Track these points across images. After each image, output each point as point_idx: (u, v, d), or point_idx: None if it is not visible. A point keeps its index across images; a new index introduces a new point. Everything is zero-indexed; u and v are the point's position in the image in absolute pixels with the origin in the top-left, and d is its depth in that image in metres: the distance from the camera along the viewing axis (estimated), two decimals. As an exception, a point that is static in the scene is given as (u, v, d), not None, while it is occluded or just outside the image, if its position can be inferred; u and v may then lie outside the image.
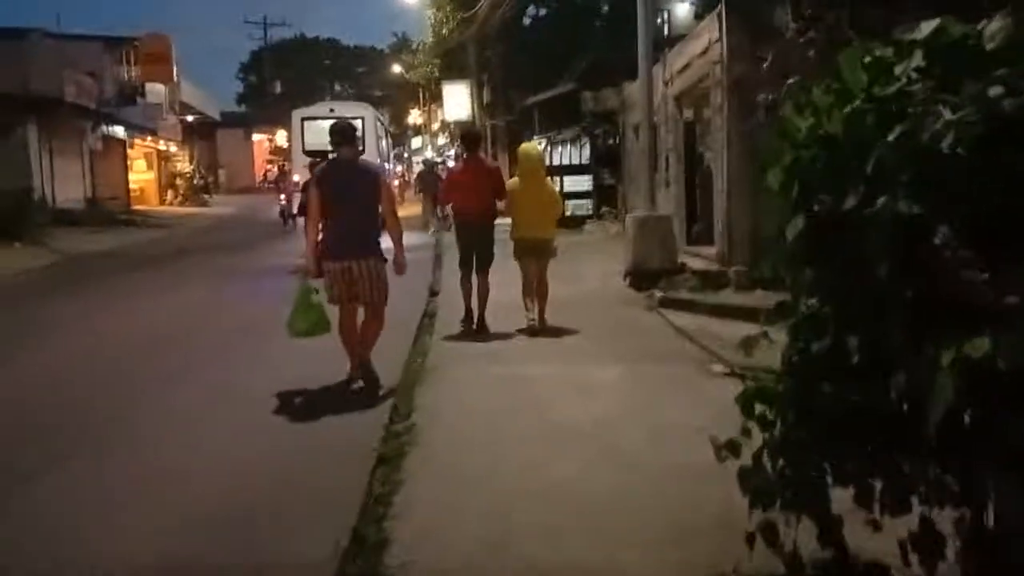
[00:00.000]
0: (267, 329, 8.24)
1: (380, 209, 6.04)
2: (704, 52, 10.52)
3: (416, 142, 56.72)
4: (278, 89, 64.39)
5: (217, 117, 47.39)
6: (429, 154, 45.27)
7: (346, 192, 5.83)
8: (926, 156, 2.16)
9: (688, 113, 13.25)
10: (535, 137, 25.18)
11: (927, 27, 2.35)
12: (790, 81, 2.85)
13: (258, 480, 4.22)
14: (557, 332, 7.81)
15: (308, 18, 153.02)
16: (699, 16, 17.48)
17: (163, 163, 36.28)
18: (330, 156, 6.30)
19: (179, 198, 35.37)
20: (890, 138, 2.24)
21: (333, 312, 6.01)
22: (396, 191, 25.51)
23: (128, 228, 23.69)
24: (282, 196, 22.71)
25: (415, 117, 54.97)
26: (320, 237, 5.96)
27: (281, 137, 52.04)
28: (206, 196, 36.40)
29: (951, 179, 2.13)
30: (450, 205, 8.24)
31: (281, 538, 3.55)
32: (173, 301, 10.62)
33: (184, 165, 38.44)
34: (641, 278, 9.83)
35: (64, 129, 24.72)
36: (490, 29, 26.94)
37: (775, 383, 2.91)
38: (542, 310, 7.86)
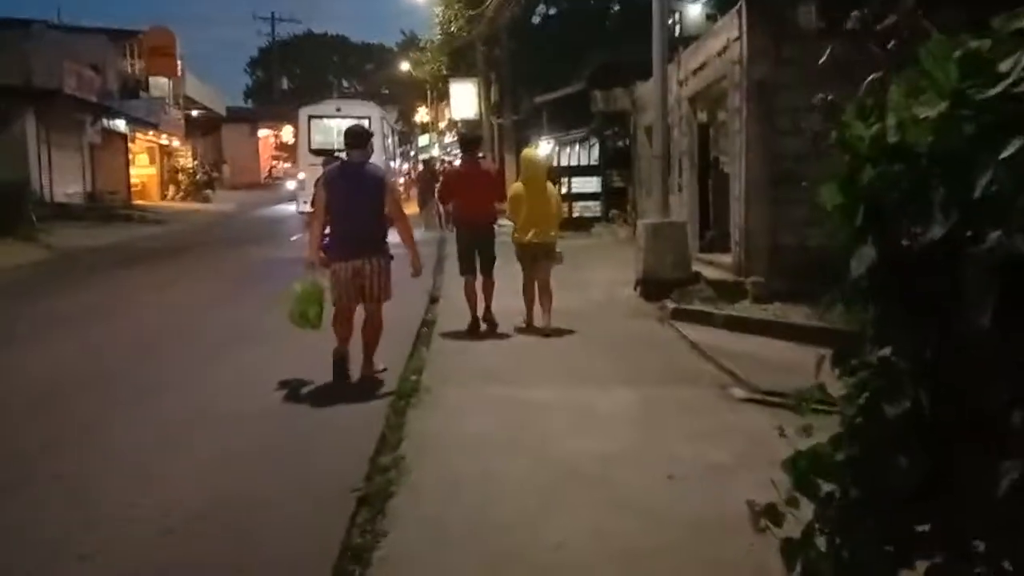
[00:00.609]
0: (250, 335, 7.87)
1: (387, 210, 6.16)
2: (722, 51, 9.99)
3: (423, 140, 56.21)
4: (285, 85, 64.13)
5: (223, 112, 46.97)
6: (436, 152, 44.85)
7: (353, 194, 5.99)
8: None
9: (702, 115, 12.73)
10: (543, 137, 24.72)
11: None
12: (871, 78, 2.31)
13: (217, 527, 3.68)
14: (562, 346, 7.33)
15: (317, 14, 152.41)
16: (711, 17, 16.99)
17: (165, 158, 35.83)
18: (337, 156, 6.54)
19: (180, 193, 34.90)
20: (1005, 154, 1.72)
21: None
22: (401, 189, 25.29)
23: (126, 223, 23.24)
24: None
25: (422, 115, 54.47)
26: (327, 237, 6.17)
27: (287, 133, 51.71)
28: (208, 192, 35.91)
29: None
30: (448, 207, 8.22)
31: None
32: (158, 301, 10.16)
33: (187, 160, 37.98)
34: (653, 288, 9.31)
35: (63, 122, 24.30)
36: (499, 27, 26.41)
37: (833, 449, 2.38)
38: (547, 312, 7.86)
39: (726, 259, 10.09)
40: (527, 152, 8.97)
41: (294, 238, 17.17)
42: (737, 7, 9.41)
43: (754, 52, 9.15)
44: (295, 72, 70.47)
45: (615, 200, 18.97)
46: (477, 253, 7.85)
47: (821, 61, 2.81)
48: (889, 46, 2.18)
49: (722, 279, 9.46)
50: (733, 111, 9.72)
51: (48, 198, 22.78)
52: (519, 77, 28.05)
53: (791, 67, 9.17)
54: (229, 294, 10.70)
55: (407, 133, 63.71)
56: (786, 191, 9.18)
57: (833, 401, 2.46)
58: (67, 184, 24.39)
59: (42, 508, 3.89)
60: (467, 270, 7.88)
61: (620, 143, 19.57)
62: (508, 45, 27.34)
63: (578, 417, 5.12)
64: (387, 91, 65.98)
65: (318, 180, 6.52)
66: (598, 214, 19.16)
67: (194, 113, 39.56)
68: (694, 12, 28.76)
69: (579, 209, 19.44)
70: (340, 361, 5.97)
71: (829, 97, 2.66)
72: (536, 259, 7.92)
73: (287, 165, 44.68)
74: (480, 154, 9.11)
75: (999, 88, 1.88)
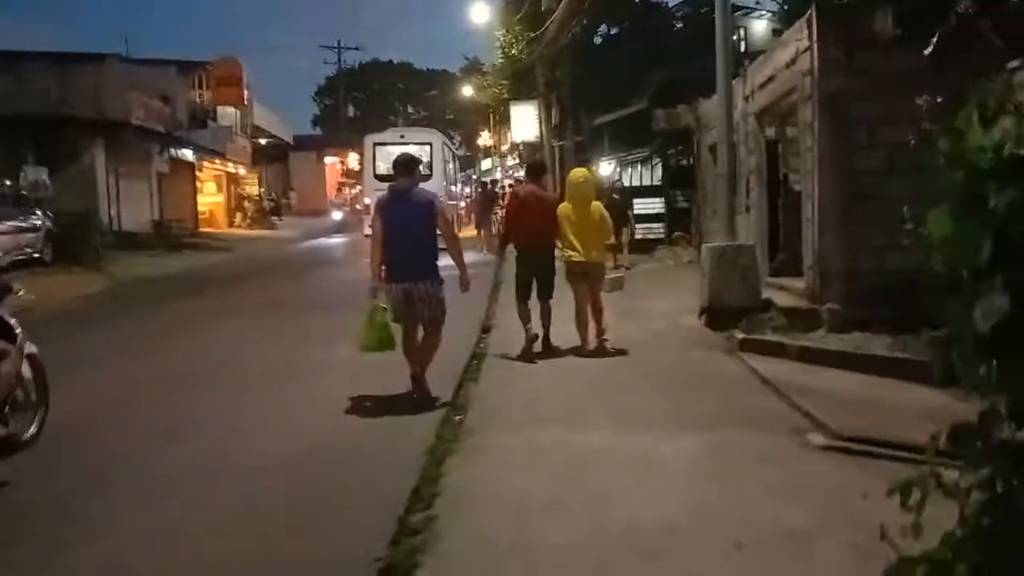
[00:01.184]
0: (290, 371, 7.60)
1: (439, 232, 6.37)
2: (791, 62, 9.37)
3: (486, 163, 56.28)
4: (351, 112, 65.05)
5: (290, 140, 47.75)
6: (498, 175, 44.73)
7: (403, 219, 6.24)
8: None
9: (770, 131, 12.09)
10: (604, 158, 24.27)
11: None
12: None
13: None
14: (621, 382, 6.80)
15: (382, 42, 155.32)
16: (777, 32, 16.30)
17: (232, 186, 36.43)
18: (390, 186, 6.72)
19: (247, 220, 35.40)
20: None
21: (398, 330, 6.30)
22: (463, 212, 25.14)
23: (192, 251, 23.50)
24: None
25: (485, 139, 54.55)
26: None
27: (353, 160, 52.32)
28: (275, 219, 36.35)
29: None
30: (508, 233, 8.35)
31: None
32: (209, 335, 9.92)
33: (253, 188, 38.57)
34: (719, 316, 8.69)
35: (132, 152, 24.78)
36: (559, 48, 26.07)
37: (952, 557, 1.82)
38: (600, 331, 7.95)
39: (798, 284, 9.41)
40: (574, 172, 9.06)
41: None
42: (806, 15, 8.80)
43: (825, 62, 8.52)
44: (361, 99, 71.51)
45: (679, 221, 18.33)
46: (536, 279, 7.93)
47: (928, 51, 2.29)
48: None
49: (794, 306, 8.79)
50: (804, 126, 9.07)
51: (116, 227, 23.19)
52: (580, 98, 27.66)
53: (865, 77, 8.54)
54: (282, 326, 10.43)
55: (470, 157, 63.98)
56: (863, 210, 8.50)
57: (953, 492, 1.93)
58: (135, 213, 24.81)
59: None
60: (523, 297, 7.95)
61: (683, 162, 18.96)
62: (568, 66, 26.97)
63: (636, 469, 4.57)
64: (451, 116, 66.50)
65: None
66: (661, 235, 18.50)
67: (262, 141, 40.26)
68: (760, 27, 27.99)
69: (641, 231, 18.81)
70: (418, 387, 6.29)
71: (938, 99, 2.15)
72: (586, 277, 7.97)
73: (354, 191, 45.17)
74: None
75: None
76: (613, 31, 33.29)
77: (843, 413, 5.70)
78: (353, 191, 49.61)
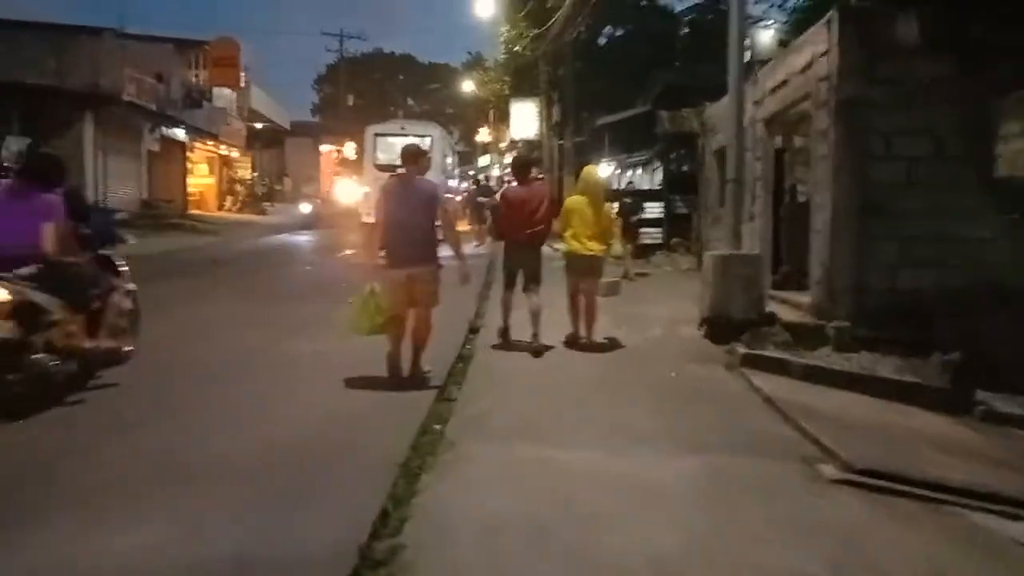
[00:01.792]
0: (260, 363, 7.13)
1: (439, 222, 6.49)
2: (807, 67, 8.93)
3: (484, 160, 55.79)
4: (350, 102, 64.41)
5: (287, 126, 47.10)
6: (496, 172, 44.30)
7: (406, 205, 6.38)
8: None
9: (778, 140, 11.67)
10: (604, 160, 23.86)
11: None
12: None
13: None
14: (614, 394, 6.37)
15: (386, 32, 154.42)
16: (784, 43, 15.86)
17: (224, 168, 35.80)
18: (396, 174, 6.81)
19: (238, 204, 34.78)
20: None
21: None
22: (460, 206, 25.01)
23: (178, 232, 22.95)
24: None
25: (484, 135, 54.07)
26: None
27: (349, 149, 51.67)
28: (266, 204, 35.74)
29: None
30: (500, 231, 8.41)
31: None
32: (186, 317, 9.41)
33: (245, 172, 37.94)
34: (720, 328, 8.25)
35: (122, 128, 24.23)
36: (563, 46, 25.61)
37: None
38: (590, 330, 8.10)
39: (803, 299, 8.99)
40: (588, 168, 9.15)
41: (308, 267, 16.87)
42: (827, 18, 8.37)
43: (845, 68, 8.10)
44: (362, 89, 70.94)
45: (678, 227, 17.89)
46: (522, 271, 7.96)
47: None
48: None
49: (800, 322, 8.36)
50: (818, 133, 8.65)
51: (102, 204, 22.61)
52: (582, 98, 27.27)
53: (886, 86, 8.15)
54: (258, 313, 9.94)
55: (469, 153, 63.44)
56: (876, 225, 8.12)
57: None
58: (122, 190, 24.23)
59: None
60: (509, 286, 8.05)
61: (685, 167, 18.53)
62: (572, 65, 26.53)
63: (628, 495, 4.12)
64: (451, 110, 65.91)
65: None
66: (659, 241, 18.06)
67: (258, 125, 39.60)
68: (766, 37, 27.65)
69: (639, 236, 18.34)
70: (392, 361, 6.37)
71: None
72: (584, 274, 8.06)
73: (346, 180, 44.22)
74: (540, 175, 9.53)
75: None
76: (619, 33, 32.88)
77: (853, 441, 5.29)
78: (342, 180, 48.84)
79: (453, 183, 27.88)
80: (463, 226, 21.25)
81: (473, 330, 8.72)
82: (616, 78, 27.92)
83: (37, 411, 5.24)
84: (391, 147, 20.46)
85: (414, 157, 6.63)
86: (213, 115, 31.88)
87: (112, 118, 23.38)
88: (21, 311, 5.29)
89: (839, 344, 7.88)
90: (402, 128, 23.02)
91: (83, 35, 24.23)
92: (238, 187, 36.08)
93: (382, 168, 18.35)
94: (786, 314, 8.70)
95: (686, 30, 30.40)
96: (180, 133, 28.75)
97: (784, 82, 10.00)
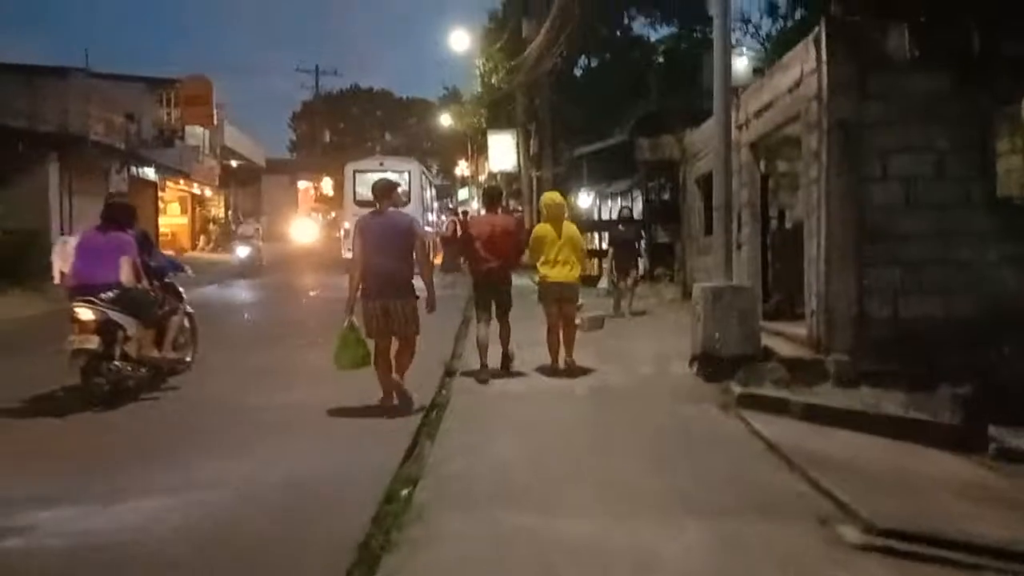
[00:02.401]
0: (217, 411, 6.52)
1: (414, 255, 6.68)
2: (795, 86, 8.50)
3: (463, 193, 55.48)
4: (327, 138, 64.04)
5: (262, 163, 46.50)
6: (474, 206, 43.95)
7: (382, 240, 6.57)
8: None
9: (763, 165, 11.24)
10: (583, 190, 23.52)
11: None
12: None
13: None
14: (604, 444, 5.79)
15: (362, 68, 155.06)
16: (758, 71, 15.54)
17: (197, 207, 35.12)
18: (371, 211, 6.91)
19: (211, 243, 34.05)
20: None
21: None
22: (437, 239, 24.62)
23: (147, 275, 22.21)
24: None
25: (463, 168, 53.83)
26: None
27: (327, 185, 51.15)
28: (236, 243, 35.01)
29: None
30: (466, 262, 8.38)
31: None
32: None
33: (219, 210, 37.25)
34: (713, 365, 7.71)
35: (88, 169, 23.54)
36: (539, 77, 25.31)
37: None
38: (569, 354, 8.13)
39: (798, 330, 8.47)
40: (547, 194, 9.21)
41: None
42: (814, 34, 7.96)
43: (836, 85, 7.67)
44: (340, 125, 70.67)
45: (661, 258, 17.42)
46: (493, 300, 8.03)
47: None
48: None
49: (797, 356, 7.84)
50: (809, 155, 8.19)
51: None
52: (559, 129, 26.98)
53: (879, 103, 7.74)
54: (225, 358, 9.28)
55: (448, 186, 63.09)
56: (875, 250, 7.64)
57: None
58: (90, 232, 23.52)
59: None
60: (482, 317, 8.06)
61: (665, 196, 18.12)
62: (548, 96, 26.24)
63: (623, 573, 3.53)
64: (428, 144, 65.67)
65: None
66: (642, 274, 17.53)
67: (233, 163, 38.97)
68: (740, 64, 27.49)
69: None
70: (399, 391, 6.60)
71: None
72: (558, 300, 8.12)
73: (304, 219, 43.04)
74: (519, 208, 9.35)
75: None
76: (594, 63, 32.71)
77: (870, 491, 4.75)
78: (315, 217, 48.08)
79: (432, 216, 27.81)
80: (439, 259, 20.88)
81: (449, 373, 8.13)
82: (593, 108, 27.64)
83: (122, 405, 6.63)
84: (370, 183, 20.14)
85: (387, 192, 6.87)
86: (185, 153, 31.30)
87: (79, 159, 22.72)
88: (104, 328, 6.70)
89: (840, 379, 7.37)
90: (380, 164, 23.54)
91: (52, 76, 23.75)
92: (211, 226, 35.35)
93: (362, 204, 18.83)
94: (781, 347, 8.18)
95: (660, 60, 30.26)
96: (150, 172, 28.08)
97: (770, 104, 9.58)
